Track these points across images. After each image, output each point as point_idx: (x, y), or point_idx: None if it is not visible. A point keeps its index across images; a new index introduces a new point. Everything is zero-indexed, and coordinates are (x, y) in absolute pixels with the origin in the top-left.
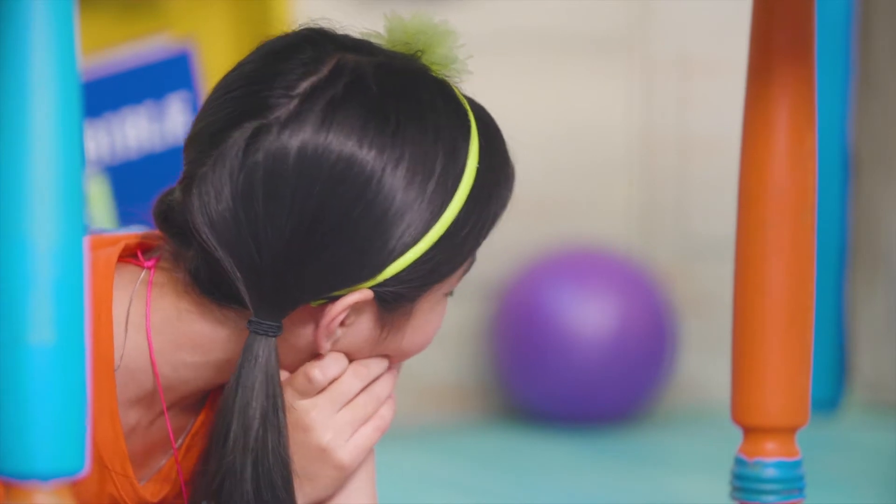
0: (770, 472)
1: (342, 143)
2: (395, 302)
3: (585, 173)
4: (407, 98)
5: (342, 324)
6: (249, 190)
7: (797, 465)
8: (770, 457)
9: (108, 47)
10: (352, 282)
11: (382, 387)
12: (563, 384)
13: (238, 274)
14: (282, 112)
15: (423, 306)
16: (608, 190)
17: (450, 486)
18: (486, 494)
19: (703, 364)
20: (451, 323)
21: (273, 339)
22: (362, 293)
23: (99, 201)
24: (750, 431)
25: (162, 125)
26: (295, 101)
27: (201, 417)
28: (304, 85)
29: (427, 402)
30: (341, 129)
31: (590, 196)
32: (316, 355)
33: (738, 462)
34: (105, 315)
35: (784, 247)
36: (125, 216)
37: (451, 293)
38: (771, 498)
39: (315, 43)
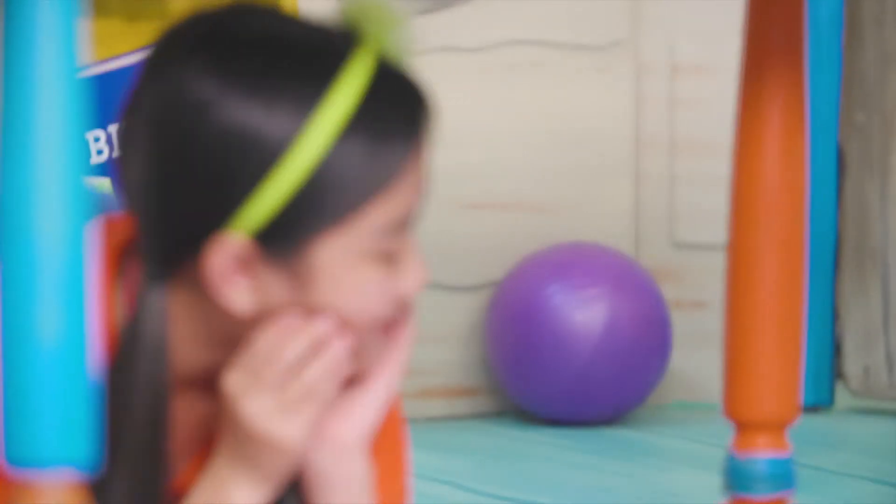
0: (761, 467)
1: (182, 81)
2: (280, 242)
3: (579, 174)
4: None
5: (238, 276)
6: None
7: (788, 460)
8: (761, 451)
9: (115, 54)
10: (216, 221)
11: (332, 352)
12: (559, 382)
13: (140, 232)
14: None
15: (330, 258)
16: (602, 191)
17: (445, 484)
18: (483, 491)
19: (697, 361)
20: (446, 321)
21: (158, 279)
22: (232, 236)
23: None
24: (742, 426)
25: None
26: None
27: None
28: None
29: (422, 401)
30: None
31: (584, 197)
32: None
33: (730, 457)
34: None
35: (776, 245)
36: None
37: (378, 258)
38: (762, 493)
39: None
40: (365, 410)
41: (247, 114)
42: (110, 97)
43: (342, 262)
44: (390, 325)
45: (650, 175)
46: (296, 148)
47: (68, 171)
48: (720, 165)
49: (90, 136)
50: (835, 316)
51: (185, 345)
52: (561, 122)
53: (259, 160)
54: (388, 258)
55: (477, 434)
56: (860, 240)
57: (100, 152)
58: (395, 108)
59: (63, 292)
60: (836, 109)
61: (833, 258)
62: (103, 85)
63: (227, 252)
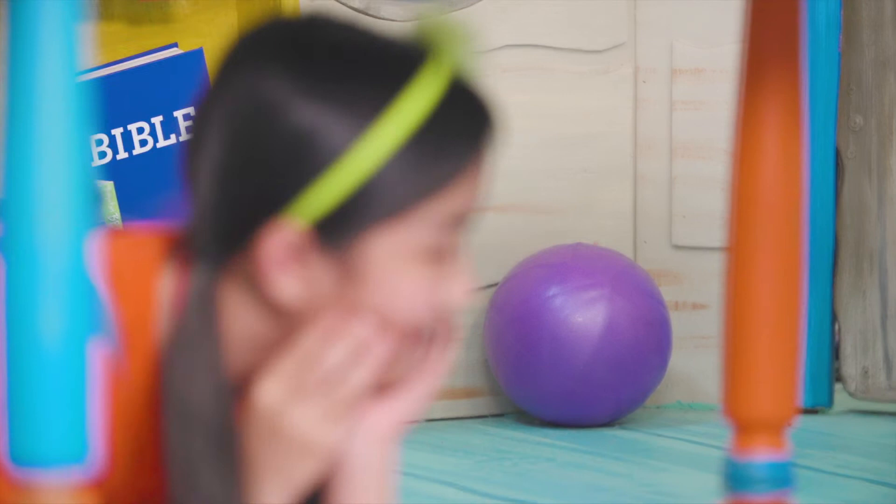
0: (760, 468)
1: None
2: (336, 233)
3: (577, 177)
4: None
5: (290, 263)
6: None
7: (787, 460)
8: (760, 452)
9: (118, 58)
10: (276, 208)
11: (374, 357)
12: (559, 383)
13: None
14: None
15: (381, 253)
16: (600, 192)
17: (445, 485)
18: (482, 492)
19: (696, 363)
20: None
21: (212, 267)
22: (291, 222)
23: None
24: (740, 427)
25: (171, 136)
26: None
27: None
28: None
29: None
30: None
31: (583, 198)
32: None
33: (729, 457)
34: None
35: (774, 247)
36: (130, 216)
37: (443, 262)
38: (761, 493)
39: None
40: (402, 405)
41: (318, 115)
42: (113, 100)
43: (392, 258)
44: (432, 333)
45: (649, 177)
46: (361, 146)
47: (71, 174)
48: (719, 167)
49: (93, 139)
50: (833, 317)
51: (228, 346)
52: (560, 125)
53: (325, 155)
54: (437, 260)
55: (477, 435)
56: (858, 241)
57: (102, 155)
58: (460, 119)
59: (66, 293)
60: (834, 112)
61: (831, 260)
62: (106, 88)
63: (284, 237)
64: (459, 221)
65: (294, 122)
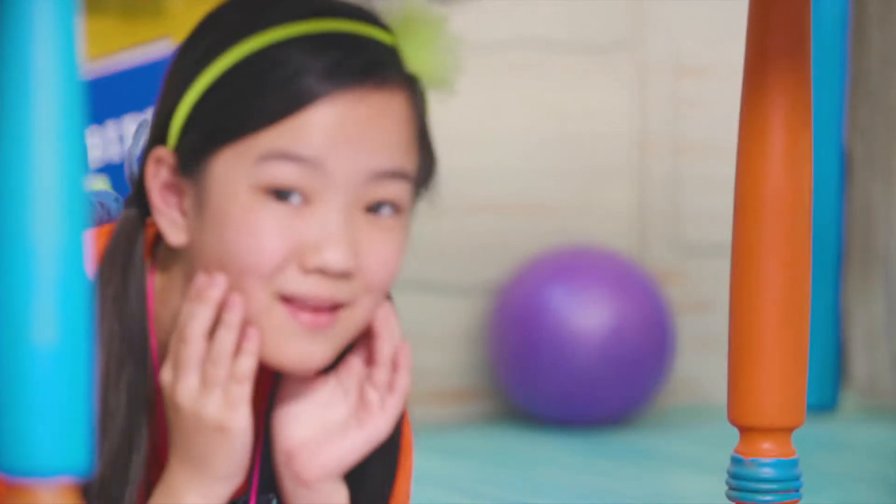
0: (766, 472)
1: None
2: (189, 158)
3: (583, 175)
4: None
5: (168, 194)
6: None
7: (793, 464)
8: (766, 457)
9: (111, 52)
10: (157, 140)
11: (232, 314)
12: (561, 385)
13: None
14: None
15: (221, 172)
16: (605, 192)
17: (447, 487)
18: (484, 495)
19: (700, 364)
20: (449, 323)
21: (132, 210)
22: (161, 151)
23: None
24: (746, 431)
25: None
26: None
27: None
28: None
29: (425, 403)
30: None
31: (587, 198)
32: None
33: (735, 462)
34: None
35: (780, 248)
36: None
37: (270, 194)
38: (767, 498)
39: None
40: (354, 444)
41: (180, 51)
42: (104, 95)
43: (236, 186)
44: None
45: (654, 177)
46: (202, 74)
47: (66, 171)
48: (725, 167)
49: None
50: (840, 318)
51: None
52: (564, 124)
53: (180, 85)
54: (288, 203)
55: (479, 437)
56: (865, 242)
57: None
58: (315, 61)
59: (60, 296)
60: (841, 110)
61: (838, 260)
62: (98, 83)
63: (159, 165)
64: (309, 168)
65: (173, 61)
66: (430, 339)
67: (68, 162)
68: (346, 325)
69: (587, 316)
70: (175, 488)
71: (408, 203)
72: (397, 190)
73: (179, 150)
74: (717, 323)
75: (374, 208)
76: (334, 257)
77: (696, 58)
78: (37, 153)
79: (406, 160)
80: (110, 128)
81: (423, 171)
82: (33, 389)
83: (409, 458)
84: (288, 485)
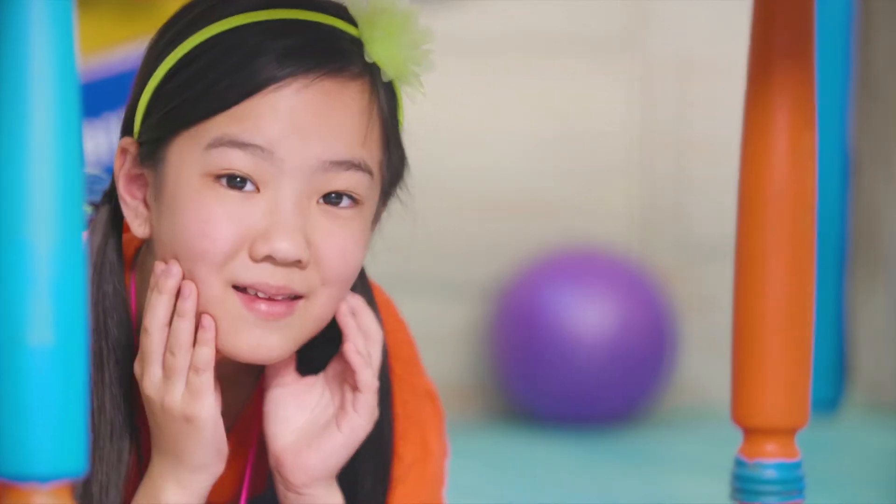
0: (770, 474)
1: None
2: (148, 146)
3: (585, 175)
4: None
5: (132, 185)
6: None
7: (797, 466)
8: (770, 458)
9: (107, 48)
10: (126, 131)
11: (186, 303)
12: (563, 385)
13: None
14: None
15: (175, 159)
16: (608, 191)
17: (449, 487)
18: (485, 494)
19: (703, 365)
20: (449, 323)
21: (106, 207)
22: (126, 141)
23: None
24: (750, 432)
25: None
26: None
27: (241, 422)
28: None
29: None
30: None
31: (590, 197)
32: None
33: (738, 463)
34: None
35: (784, 248)
36: None
37: (221, 181)
38: (771, 499)
39: None
40: (335, 446)
41: (150, 45)
42: (100, 90)
43: (186, 171)
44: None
45: (657, 176)
46: (166, 58)
47: (62, 171)
48: (729, 166)
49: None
50: (844, 317)
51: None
52: (567, 123)
53: (143, 77)
54: (240, 192)
55: (479, 437)
56: (870, 241)
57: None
58: (271, 44)
59: (56, 298)
60: (846, 110)
61: (842, 260)
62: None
63: (124, 156)
64: (263, 156)
65: (143, 54)
66: (430, 339)
67: (65, 162)
68: (304, 318)
69: (589, 316)
70: (154, 480)
71: (367, 195)
72: (353, 180)
73: (140, 139)
74: (721, 323)
75: (331, 199)
76: (282, 246)
77: (699, 56)
78: (33, 153)
79: (362, 151)
80: (107, 123)
81: (390, 166)
82: (29, 391)
83: (423, 470)
84: (280, 489)
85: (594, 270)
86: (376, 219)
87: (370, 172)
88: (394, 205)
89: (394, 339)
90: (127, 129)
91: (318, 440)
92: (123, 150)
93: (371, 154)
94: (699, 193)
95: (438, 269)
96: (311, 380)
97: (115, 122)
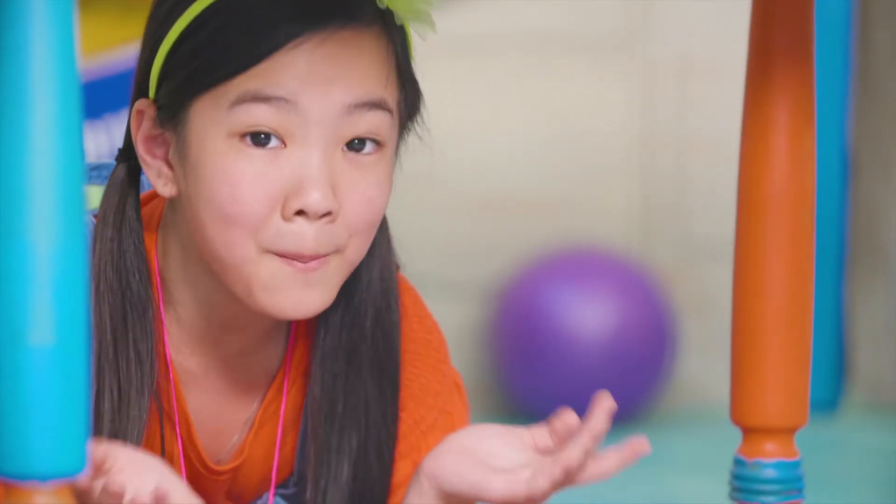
0: (769, 473)
1: None
2: (168, 108)
3: (585, 174)
4: None
5: (153, 146)
6: None
7: (796, 465)
8: (769, 457)
9: (107, 49)
10: (140, 93)
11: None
12: (563, 385)
13: None
14: None
15: (199, 123)
16: (608, 191)
17: None
18: None
19: (703, 364)
20: (451, 323)
21: (122, 165)
22: (143, 103)
23: (97, 201)
24: (749, 432)
25: None
26: None
27: (272, 392)
28: None
29: None
30: None
31: (590, 197)
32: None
33: (738, 462)
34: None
35: (783, 248)
36: None
37: (246, 140)
38: (770, 499)
39: None
40: (490, 486)
41: (155, 6)
42: (100, 90)
43: (211, 133)
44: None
45: (658, 175)
46: (178, 18)
47: (63, 170)
48: (729, 165)
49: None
50: (843, 317)
51: (182, 279)
52: (567, 122)
53: (156, 35)
54: (267, 149)
55: None
56: (869, 241)
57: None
58: (284, 4)
59: (57, 297)
60: (845, 110)
61: (841, 259)
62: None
63: (141, 117)
64: (280, 103)
65: (150, 13)
66: None
67: (65, 162)
68: (340, 266)
69: (589, 315)
70: None
71: (389, 136)
72: (376, 121)
73: (158, 100)
74: (720, 323)
75: (354, 146)
76: (315, 196)
77: (699, 56)
78: (34, 153)
79: (383, 91)
80: (107, 124)
81: (407, 105)
82: (29, 391)
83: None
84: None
85: (594, 270)
86: (395, 155)
87: (391, 111)
88: (393, 205)
89: (421, 325)
90: (140, 91)
91: (482, 468)
92: (140, 112)
93: (391, 94)
94: (699, 193)
95: (439, 269)
96: (523, 431)
97: (115, 122)
